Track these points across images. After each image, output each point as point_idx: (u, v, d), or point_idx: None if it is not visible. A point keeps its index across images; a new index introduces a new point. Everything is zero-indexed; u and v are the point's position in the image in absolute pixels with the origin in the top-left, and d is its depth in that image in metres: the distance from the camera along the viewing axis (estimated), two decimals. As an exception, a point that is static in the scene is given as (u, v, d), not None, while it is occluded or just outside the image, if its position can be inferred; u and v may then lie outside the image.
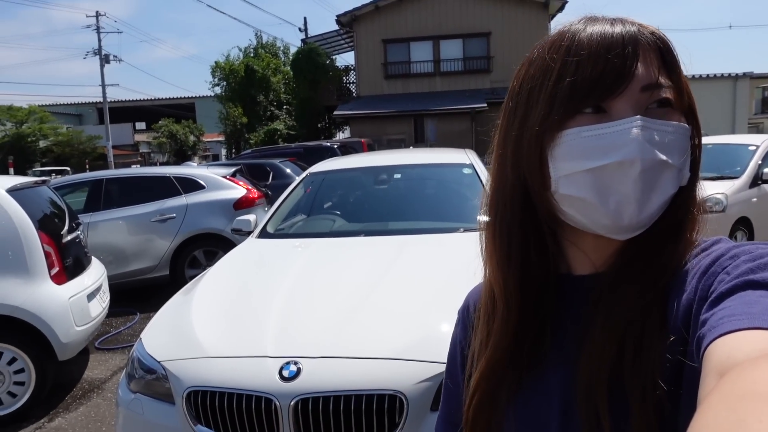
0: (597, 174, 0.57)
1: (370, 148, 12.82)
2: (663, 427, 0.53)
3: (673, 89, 0.59)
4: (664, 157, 0.56)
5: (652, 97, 0.58)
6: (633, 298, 0.58)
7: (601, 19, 0.60)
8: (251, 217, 3.88)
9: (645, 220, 0.58)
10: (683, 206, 0.61)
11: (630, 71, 0.57)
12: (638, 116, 0.56)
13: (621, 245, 0.62)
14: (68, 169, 26.23)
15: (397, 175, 4.13)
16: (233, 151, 24.66)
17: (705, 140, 7.55)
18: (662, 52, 0.59)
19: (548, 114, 0.59)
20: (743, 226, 5.99)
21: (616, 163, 0.56)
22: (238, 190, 6.46)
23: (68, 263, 4.00)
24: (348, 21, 20.42)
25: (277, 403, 1.91)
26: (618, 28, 0.59)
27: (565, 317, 0.65)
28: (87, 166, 26.39)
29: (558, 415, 0.62)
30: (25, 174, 20.27)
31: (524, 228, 0.65)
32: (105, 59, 29.61)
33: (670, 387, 0.53)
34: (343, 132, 25.07)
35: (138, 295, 6.28)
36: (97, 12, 29.71)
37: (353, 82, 22.04)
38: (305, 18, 28.50)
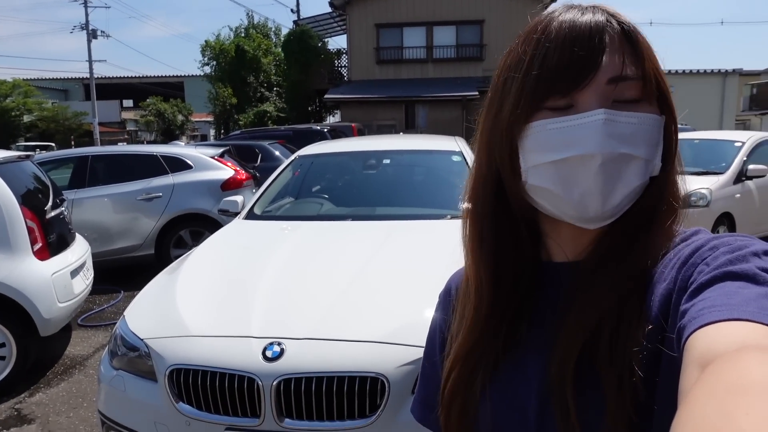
0: (561, 166, 0.58)
1: (360, 133, 12.76)
2: (638, 414, 0.54)
3: (642, 80, 0.58)
4: (626, 150, 0.56)
5: (619, 89, 0.58)
6: (609, 286, 0.59)
7: (575, 7, 0.60)
8: (239, 198, 3.86)
9: (610, 211, 0.58)
10: (656, 195, 0.61)
11: (595, 63, 0.56)
12: (601, 109, 0.56)
13: (598, 233, 0.62)
14: (53, 144, 25.84)
15: (386, 161, 4.12)
16: (222, 131, 24.43)
17: (692, 135, 7.62)
18: (632, 43, 0.59)
19: (517, 105, 0.60)
20: (726, 221, 6.08)
21: (577, 156, 0.56)
22: (226, 171, 6.41)
23: (52, 239, 3.96)
24: (341, 4, 20.21)
25: (260, 382, 1.92)
26: (587, 17, 0.58)
27: (544, 303, 0.65)
28: (72, 143, 25.99)
29: (536, 398, 0.62)
30: (8, 149, 19.90)
31: (497, 216, 0.66)
32: (92, 34, 29.04)
33: (647, 374, 0.54)
34: (333, 116, 24.93)
35: (122, 274, 6.24)
36: (85, -15, 29.09)
37: (345, 66, 21.88)
38: (298, -1, 28.15)
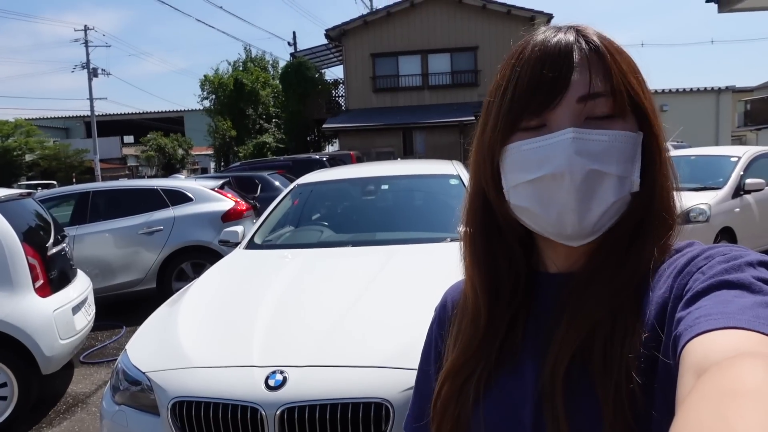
0: (537, 185, 0.60)
1: (359, 160, 12.85)
2: (636, 422, 0.54)
3: (612, 95, 0.59)
4: (597, 167, 0.57)
5: (589, 107, 0.59)
6: (602, 296, 0.60)
7: (552, 28, 0.62)
8: (239, 228, 3.88)
9: (589, 228, 0.59)
10: (641, 209, 0.62)
11: (564, 83, 0.58)
12: (570, 128, 0.57)
13: (591, 246, 0.63)
14: (54, 183, 26.00)
15: (385, 186, 4.15)
16: (222, 164, 24.60)
17: (688, 152, 7.68)
18: (601, 59, 0.59)
19: (495, 127, 0.62)
20: (727, 236, 6.07)
21: (549, 175, 0.58)
22: (226, 203, 6.44)
23: (53, 276, 3.96)
24: (337, 35, 20.57)
25: (263, 412, 1.91)
26: (557, 37, 0.60)
27: (538, 313, 0.66)
28: (74, 180, 26.17)
29: (531, 407, 0.62)
30: (10, 188, 20.01)
31: (489, 233, 0.68)
32: (93, 73, 29.54)
33: (644, 381, 0.54)
34: (332, 145, 25.12)
35: (125, 308, 6.22)
36: (85, 26, 29.72)
37: (342, 96, 22.14)
38: (294, 32, 28.67)
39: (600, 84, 0.59)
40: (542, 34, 0.62)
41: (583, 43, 0.60)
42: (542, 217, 0.61)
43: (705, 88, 22.98)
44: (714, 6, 3.82)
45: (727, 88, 22.93)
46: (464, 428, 0.67)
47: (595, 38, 0.61)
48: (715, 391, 0.36)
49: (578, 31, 0.61)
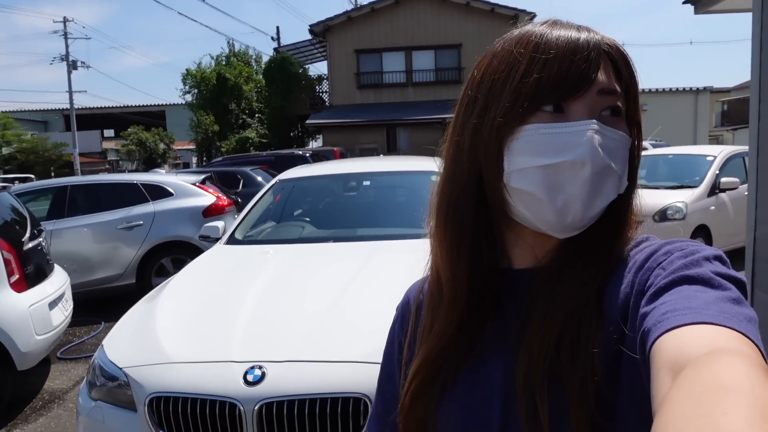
0: (549, 171, 0.59)
1: (343, 157, 12.81)
2: (601, 414, 0.55)
3: (624, 99, 0.62)
4: (610, 162, 0.59)
5: (605, 103, 0.61)
6: (570, 292, 0.61)
7: (566, 24, 0.63)
8: (219, 223, 3.86)
9: (586, 220, 0.60)
10: (619, 211, 0.64)
11: (591, 76, 0.59)
12: (594, 120, 0.59)
13: (559, 241, 0.64)
14: (32, 176, 25.51)
15: (367, 183, 4.15)
16: (204, 159, 24.36)
17: (666, 151, 7.81)
18: (617, 64, 0.62)
19: (512, 107, 0.60)
20: (702, 234, 6.20)
21: (568, 162, 0.58)
22: (208, 198, 6.39)
23: (29, 271, 3.90)
24: (321, 31, 20.48)
25: (241, 407, 1.90)
26: (584, 35, 0.61)
27: (504, 310, 0.66)
28: (52, 174, 25.68)
29: (499, 403, 0.63)
30: (-14, 181, 19.58)
31: (469, 220, 0.66)
32: (72, 65, 28.95)
33: (608, 375, 0.55)
34: (315, 141, 25.03)
35: (103, 304, 6.13)
36: (64, 18, 29.08)
37: (326, 92, 22.07)
38: (278, 27, 28.57)
39: (615, 84, 0.61)
40: (563, 28, 0.62)
41: (606, 44, 0.62)
42: (545, 203, 0.60)
43: (684, 89, 23.36)
44: (691, 7, 3.89)
45: (705, 88, 23.34)
46: (431, 422, 0.67)
47: (616, 44, 0.63)
48: (697, 389, 0.37)
49: (601, 34, 0.63)
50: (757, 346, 0.43)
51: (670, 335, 0.45)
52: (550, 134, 0.59)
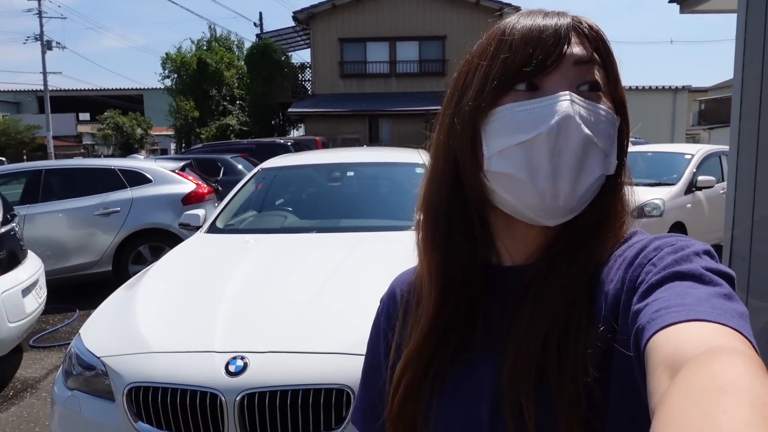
0: (527, 147, 0.57)
1: (325, 146, 12.74)
2: (593, 413, 0.55)
3: (604, 69, 0.61)
4: (589, 132, 0.57)
5: (583, 76, 0.59)
6: (559, 290, 0.60)
7: (539, 11, 0.62)
8: (200, 211, 3.80)
9: (573, 202, 0.58)
10: (607, 200, 0.62)
11: (561, 49, 0.58)
12: (567, 91, 0.57)
13: (548, 238, 0.63)
14: (3, 159, 24.86)
15: (350, 173, 4.13)
16: (183, 145, 23.99)
17: (645, 148, 7.90)
18: (596, 41, 0.61)
19: (482, 91, 0.60)
20: (678, 231, 6.31)
21: (544, 133, 0.56)
22: (187, 185, 6.29)
23: (1, 256, 3.80)
24: (305, 18, 20.25)
25: (223, 398, 1.89)
26: (554, 18, 0.60)
27: (494, 308, 0.65)
28: (25, 157, 25.04)
29: (488, 404, 0.62)
30: (-45, 163, 19.02)
31: (452, 213, 0.65)
32: (47, 45, 28.17)
33: (599, 374, 0.54)
34: (297, 130, 24.81)
35: (78, 292, 6.02)
36: (39, -5, 28.26)
37: (309, 80, 21.87)
38: (261, 13, 28.23)
39: (595, 56, 0.60)
40: (532, 16, 0.61)
41: (579, 24, 0.61)
42: (527, 184, 0.58)
43: (663, 87, 23.70)
44: (676, 6, 3.93)
45: (683, 87, 23.69)
46: (421, 423, 0.66)
47: (593, 24, 0.62)
48: (696, 388, 0.37)
49: (574, 16, 0.61)
50: (750, 342, 0.43)
51: (665, 333, 0.45)
52: (523, 111, 0.58)
